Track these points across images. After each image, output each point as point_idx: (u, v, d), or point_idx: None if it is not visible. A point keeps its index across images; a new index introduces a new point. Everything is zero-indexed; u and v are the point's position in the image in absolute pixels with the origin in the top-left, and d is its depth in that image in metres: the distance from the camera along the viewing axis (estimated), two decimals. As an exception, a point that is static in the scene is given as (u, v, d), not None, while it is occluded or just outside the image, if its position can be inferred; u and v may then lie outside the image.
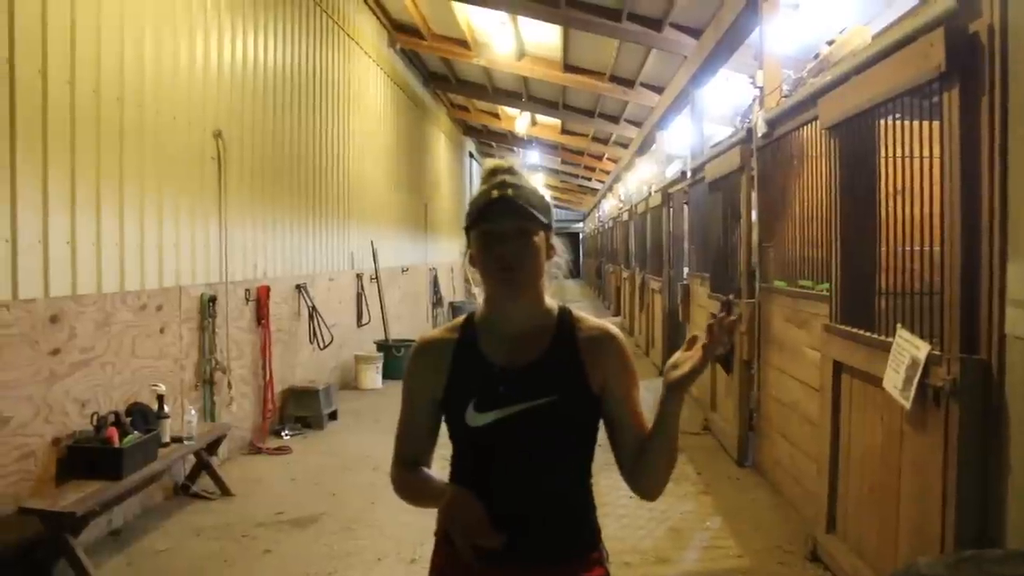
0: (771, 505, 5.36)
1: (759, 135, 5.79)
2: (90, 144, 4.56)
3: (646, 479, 1.78)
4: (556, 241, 1.84)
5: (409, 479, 1.89)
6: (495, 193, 1.74)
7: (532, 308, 1.82)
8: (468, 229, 1.79)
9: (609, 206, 23.03)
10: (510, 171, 1.81)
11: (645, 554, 4.57)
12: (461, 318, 1.91)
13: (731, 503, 5.43)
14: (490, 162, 1.86)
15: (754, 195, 6.10)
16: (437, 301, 16.56)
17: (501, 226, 1.72)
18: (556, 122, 17.80)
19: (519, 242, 1.72)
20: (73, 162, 4.40)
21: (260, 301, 7.00)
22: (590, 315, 1.90)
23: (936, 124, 3.14)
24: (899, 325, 3.31)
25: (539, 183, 1.92)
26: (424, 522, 4.87)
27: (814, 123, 4.70)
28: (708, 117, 9.91)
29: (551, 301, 1.86)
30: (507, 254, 1.72)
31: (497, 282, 1.76)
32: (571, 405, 1.75)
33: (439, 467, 1.91)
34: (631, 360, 1.84)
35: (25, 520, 3.94)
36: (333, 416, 7.95)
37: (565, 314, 1.85)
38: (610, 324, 1.88)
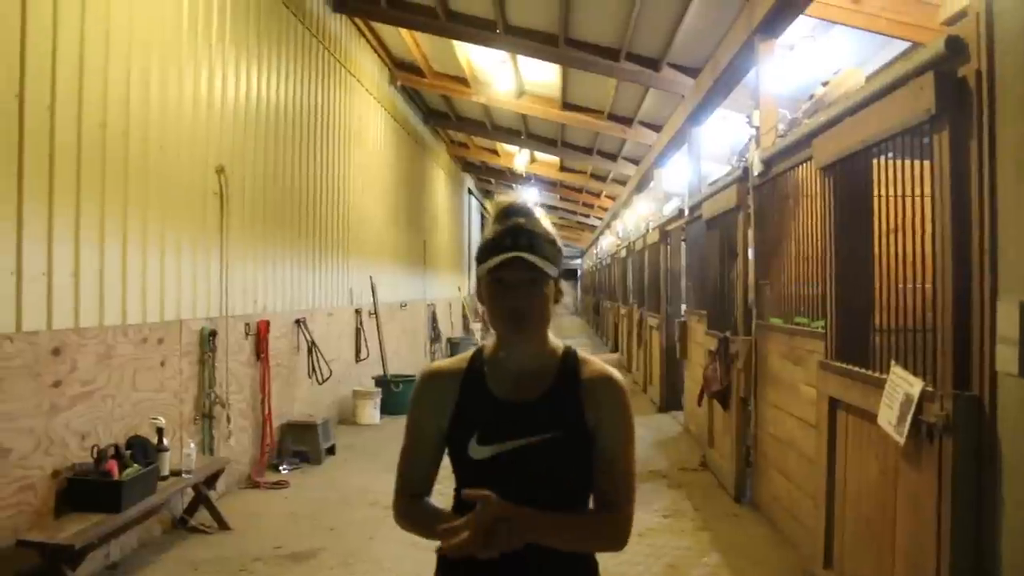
0: (769, 541, 5.35)
1: (755, 174, 5.86)
2: (95, 178, 4.62)
3: None
4: (563, 284, 1.88)
5: (416, 511, 1.89)
6: (508, 242, 1.75)
7: (538, 348, 1.86)
8: (479, 266, 1.81)
9: (607, 243, 23.13)
10: (526, 214, 1.83)
11: (643, 590, 4.55)
12: (471, 351, 1.94)
13: (728, 539, 5.42)
14: (504, 201, 1.88)
15: (751, 233, 6.16)
16: (436, 337, 16.57)
17: (513, 277, 1.75)
18: (555, 159, 17.96)
19: (529, 293, 1.77)
20: (78, 195, 4.46)
21: (259, 335, 7.03)
22: (596, 358, 1.93)
23: (928, 163, 3.20)
24: (893, 362, 3.34)
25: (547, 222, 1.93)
26: (421, 556, 4.87)
27: (809, 163, 4.77)
28: (705, 155, 10.02)
29: (556, 341, 1.90)
30: (518, 306, 1.77)
31: (505, 328, 1.81)
32: (569, 443, 1.78)
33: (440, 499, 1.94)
34: (626, 408, 1.84)
35: (23, 553, 3.93)
36: (331, 451, 7.94)
37: (569, 355, 1.89)
38: (614, 370, 1.89)
